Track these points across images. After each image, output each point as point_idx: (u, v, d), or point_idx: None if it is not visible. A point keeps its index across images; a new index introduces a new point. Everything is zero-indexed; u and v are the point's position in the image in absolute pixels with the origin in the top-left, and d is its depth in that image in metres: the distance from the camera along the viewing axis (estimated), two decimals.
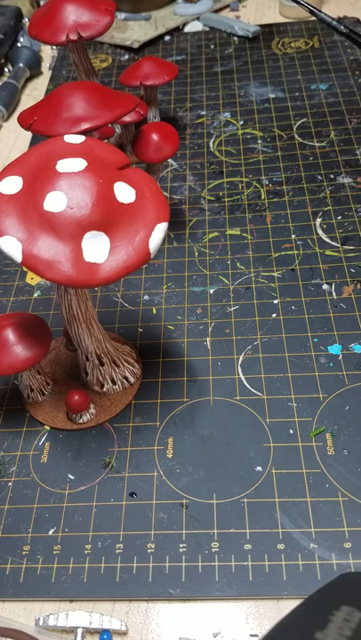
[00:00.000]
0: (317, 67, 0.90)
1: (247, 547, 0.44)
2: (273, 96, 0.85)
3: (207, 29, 1.02)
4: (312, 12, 0.65)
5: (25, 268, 0.55)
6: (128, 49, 1.00)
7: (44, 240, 0.40)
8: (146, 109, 0.73)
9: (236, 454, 0.49)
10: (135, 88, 0.83)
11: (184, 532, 0.45)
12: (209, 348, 0.57)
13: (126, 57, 0.99)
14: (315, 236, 0.65)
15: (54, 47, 1.05)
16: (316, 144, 0.77)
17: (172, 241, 0.67)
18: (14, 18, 1.01)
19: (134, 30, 1.02)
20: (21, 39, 1.01)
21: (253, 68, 0.91)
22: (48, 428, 0.53)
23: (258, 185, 0.72)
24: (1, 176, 0.42)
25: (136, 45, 0.98)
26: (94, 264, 0.40)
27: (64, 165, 0.41)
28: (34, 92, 0.96)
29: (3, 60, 0.99)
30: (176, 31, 1.03)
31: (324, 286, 0.60)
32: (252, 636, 0.41)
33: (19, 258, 0.40)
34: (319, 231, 0.66)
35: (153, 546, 0.45)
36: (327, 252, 0.63)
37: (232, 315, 0.59)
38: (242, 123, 0.82)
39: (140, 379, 0.55)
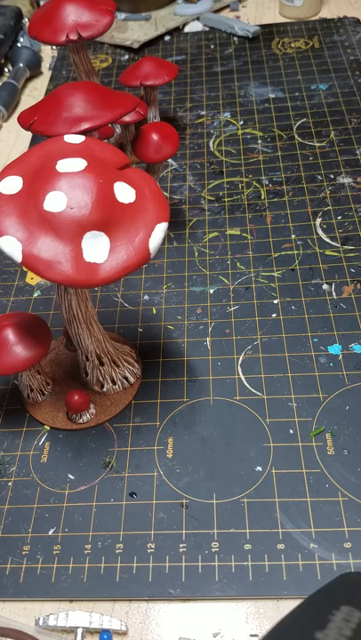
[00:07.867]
0: (317, 67, 0.90)
1: (247, 547, 0.44)
2: (273, 96, 0.85)
3: (207, 29, 1.02)
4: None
5: (25, 268, 0.55)
6: (128, 49, 1.00)
7: (44, 240, 0.40)
8: (146, 109, 0.73)
9: (236, 454, 0.49)
10: (135, 88, 0.83)
11: (184, 531, 0.45)
12: (209, 348, 0.57)
13: (126, 57, 0.99)
14: (315, 236, 0.65)
15: (54, 47, 1.05)
16: (316, 144, 0.77)
17: (172, 241, 0.67)
18: (14, 18, 1.01)
19: (134, 30, 1.02)
20: (21, 39, 1.01)
21: (253, 68, 0.91)
22: (48, 428, 0.53)
23: (258, 185, 0.72)
24: (1, 176, 0.42)
25: (136, 45, 0.98)
26: (94, 264, 0.40)
27: (64, 165, 0.41)
28: (34, 92, 0.96)
29: (3, 60, 0.99)
30: (176, 31, 1.03)
31: (324, 286, 0.60)
32: (252, 635, 0.41)
33: (19, 258, 0.40)
34: (319, 231, 0.66)
35: (153, 546, 0.45)
36: (327, 252, 0.63)
37: (232, 315, 0.59)
38: (242, 123, 0.82)
39: (140, 379, 0.55)
